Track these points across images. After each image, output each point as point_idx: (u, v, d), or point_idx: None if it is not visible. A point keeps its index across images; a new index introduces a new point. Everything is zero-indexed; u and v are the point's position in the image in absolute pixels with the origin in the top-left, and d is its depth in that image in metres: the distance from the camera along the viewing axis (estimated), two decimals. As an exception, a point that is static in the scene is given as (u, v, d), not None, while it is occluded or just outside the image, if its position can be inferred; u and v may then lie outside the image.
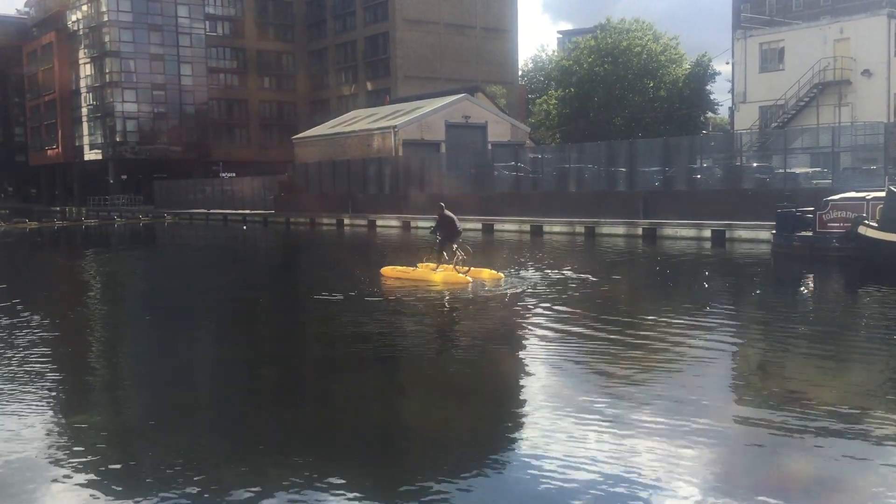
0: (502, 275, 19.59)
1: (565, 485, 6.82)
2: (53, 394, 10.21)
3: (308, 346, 13.83)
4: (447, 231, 19.45)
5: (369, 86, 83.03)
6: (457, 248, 19.45)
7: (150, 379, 11.35)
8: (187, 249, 37.60)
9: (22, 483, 7.11)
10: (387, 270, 20.75)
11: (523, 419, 8.92)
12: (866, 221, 21.52)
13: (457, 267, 19.24)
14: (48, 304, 18.74)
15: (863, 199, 22.44)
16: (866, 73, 43.29)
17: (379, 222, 45.05)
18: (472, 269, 19.39)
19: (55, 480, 7.14)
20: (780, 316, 15.13)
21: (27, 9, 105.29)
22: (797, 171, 32.96)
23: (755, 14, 52.20)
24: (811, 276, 21.60)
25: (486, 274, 19.51)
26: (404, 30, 79.13)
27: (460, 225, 19.78)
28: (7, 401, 9.59)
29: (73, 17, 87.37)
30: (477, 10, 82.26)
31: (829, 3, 54.29)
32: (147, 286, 23.29)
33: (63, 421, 9.06)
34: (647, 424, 8.20)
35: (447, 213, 19.70)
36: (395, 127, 52.17)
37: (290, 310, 17.69)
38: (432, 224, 21.32)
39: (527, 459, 7.46)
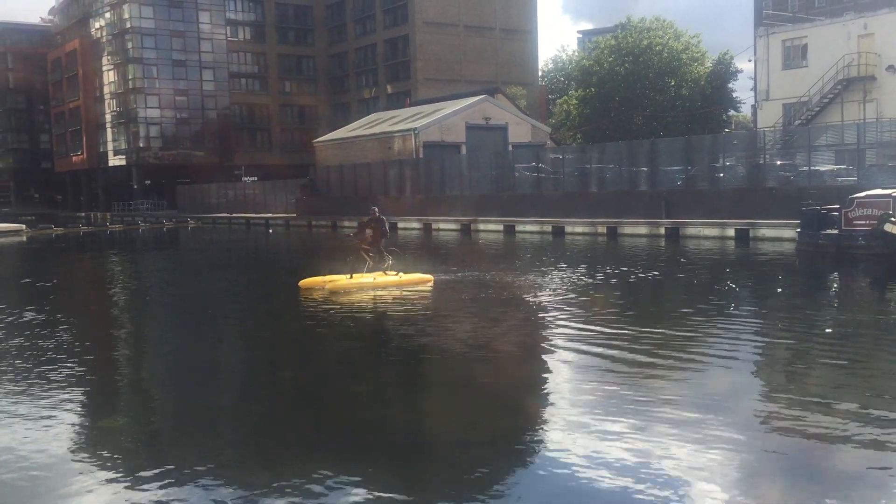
0: (431, 277, 19.50)
1: (589, 487, 6.78)
2: (77, 396, 10.30)
3: (312, 348, 13.87)
4: (376, 234, 19.08)
5: (389, 89, 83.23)
6: (386, 253, 19.29)
7: (170, 380, 11.44)
8: (206, 254, 37.83)
9: (50, 485, 7.18)
10: (309, 282, 18.91)
11: (546, 420, 8.87)
12: (892, 219, 21.24)
13: (387, 272, 19.05)
14: (71, 307, 18.93)
15: (889, 196, 22.16)
16: (891, 68, 42.74)
17: (400, 224, 45.09)
18: (402, 271, 19.34)
19: (82, 483, 7.20)
20: (808, 317, 14.95)
21: (51, 17, 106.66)
22: (822, 168, 32.62)
23: (777, 11, 51.70)
24: (838, 274, 21.34)
25: (416, 277, 19.34)
26: (424, 32, 79.25)
27: (387, 228, 19.67)
28: (33, 404, 9.68)
29: (97, 25, 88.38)
30: (496, 11, 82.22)
31: (853, -2, 53.65)
32: (165, 289, 23.47)
33: (89, 423, 9.14)
34: (672, 425, 8.12)
35: (379, 216, 19.37)
36: (415, 129, 52.24)
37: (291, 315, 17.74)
38: (356, 226, 20.51)
39: (549, 461, 7.42)
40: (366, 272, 18.77)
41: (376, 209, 19.71)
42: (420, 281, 19.18)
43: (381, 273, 18.88)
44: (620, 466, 7.09)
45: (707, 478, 6.82)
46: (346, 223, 49.81)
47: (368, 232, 19.11)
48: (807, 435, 7.87)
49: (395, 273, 19.10)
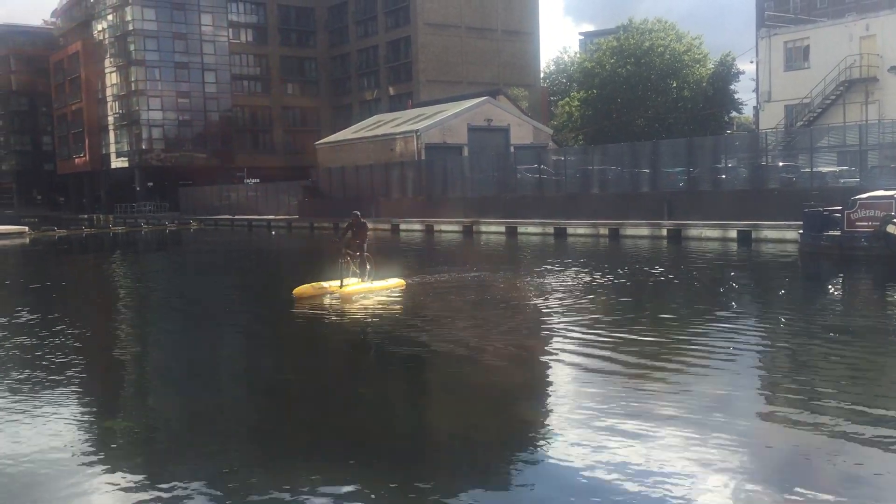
0: (404, 282, 19.34)
1: (591, 490, 6.79)
2: (78, 397, 10.33)
3: (312, 351, 13.89)
4: (358, 239, 18.71)
5: (391, 90, 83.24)
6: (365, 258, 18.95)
7: (172, 382, 11.46)
8: (208, 255, 37.85)
9: (51, 486, 7.20)
10: (302, 290, 18.08)
11: (550, 422, 8.88)
12: (895, 220, 21.23)
13: (364, 278, 18.67)
14: (73, 309, 18.95)
15: (891, 197, 22.14)
16: (893, 69, 42.70)
17: (402, 226, 45.14)
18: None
19: (84, 484, 7.22)
20: (811, 319, 14.94)
21: (54, 19, 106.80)
22: (824, 170, 32.58)
23: (779, 12, 51.74)
24: (840, 276, 21.32)
25: (394, 282, 19.19)
26: (426, 34, 79.27)
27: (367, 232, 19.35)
28: (34, 405, 9.70)
29: (99, 27, 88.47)
30: (498, 12, 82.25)
31: (855, -1, 53.65)
32: (167, 292, 23.50)
33: (91, 424, 9.16)
34: (675, 428, 8.12)
35: (361, 220, 18.96)
36: (417, 131, 52.27)
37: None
38: (341, 230, 19.84)
39: (551, 464, 7.43)
40: (351, 277, 18.45)
41: (358, 213, 19.27)
42: (395, 286, 19.00)
43: (359, 280, 18.53)
44: (622, 469, 7.10)
45: (710, 483, 6.82)
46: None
47: (349, 236, 18.80)
48: (810, 439, 7.87)
49: (366, 280, 18.74)
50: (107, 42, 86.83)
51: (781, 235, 28.40)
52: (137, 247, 45.70)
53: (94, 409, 9.91)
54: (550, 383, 10.64)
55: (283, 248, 42.87)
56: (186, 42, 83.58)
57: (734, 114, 75.64)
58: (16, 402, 9.87)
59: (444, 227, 42.89)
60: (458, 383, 10.78)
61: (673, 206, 33.85)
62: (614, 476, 6.94)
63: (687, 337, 13.01)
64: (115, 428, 9.08)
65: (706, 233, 31.34)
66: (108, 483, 7.23)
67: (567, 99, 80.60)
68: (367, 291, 18.27)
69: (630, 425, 8.20)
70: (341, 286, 18.12)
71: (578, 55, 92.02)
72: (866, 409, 8.65)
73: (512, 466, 7.49)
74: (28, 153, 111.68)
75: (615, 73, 70.07)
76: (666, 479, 6.80)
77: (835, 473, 7.03)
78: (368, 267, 18.91)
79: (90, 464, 7.72)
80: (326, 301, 17.66)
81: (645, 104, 69.92)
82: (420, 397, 10.53)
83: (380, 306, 17.06)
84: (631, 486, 6.71)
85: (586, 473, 7.06)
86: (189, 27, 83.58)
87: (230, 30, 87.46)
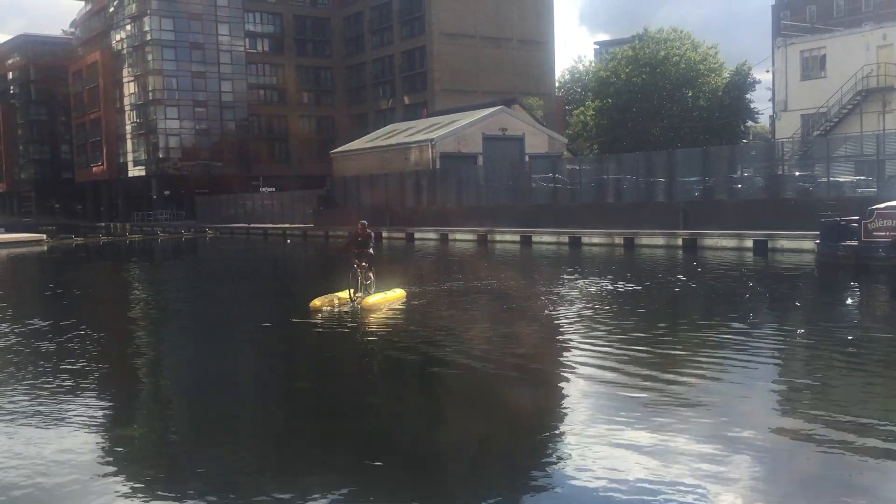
0: (404, 292, 19.10)
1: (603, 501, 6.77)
2: (94, 405, 10.39)
3: (329, 359, 13.91)
4: (364, 248, 18.25)
5: (407, 100, 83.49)
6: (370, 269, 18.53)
7: (187, 390, 11.52)
8: (223, 264, 38.02)
9: (67, 493, 7.24)
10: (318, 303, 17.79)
11: (562, 434, 8.86)
12: (913, 230, 21.09)
13: (371, 290, 18.34)
14: (87, 316, 19.07)
15: (909, 207, 22.00)
16: (911, 79, 42.47)
17: (417, 235, 45.18)
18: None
19: (100, 491, 7.24)
20: (827, 330, 14.82)
21: (73, 29, 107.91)
22: (841, 179, 32.40)
23: (795, 21, 51.56)
24: (858, 286, 21.16)
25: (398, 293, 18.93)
26: (441, 43, 79.50)
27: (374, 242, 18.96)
28: (50, 412, 9.77)
29: (117, 37, 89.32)
30: (513, 22, 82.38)
31: (871, 8, 53.53)
32: (182, 300, 23.61)
33: (106, 432, 9.21)
34: (690, 440, 8.09)
35: (368, 231, 18.49)
36: (432, 140, 52.36)
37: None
38: (349, 239, 19.37)
39: (567, 477, 7.41)
40: (361, 288, 18.09)
41: (365, 223, 18.94)
42: (397, 297, 18.75)
43: (368, 291, 18.22)
44: (635, 481, 7.06)
45: (724, 498, 6.79)
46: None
47: (354, 245, 18.43)
48: (826, 453, 7.81)
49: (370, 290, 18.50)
50: (125, 52, 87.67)
51: (798, 245, 28.23)
52: (153, 255, 45.99)
53: (110, 416, 9.96)
54: (564, 394, 10.59)
55: (299, 256, 43.00)
56: (203, 52, 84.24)
57: (750, 123, 75.32)
58: (32, 408, 9.94)
59: (458, 236, 42.89)
60: (469, 394, 10.78)
61: (688, 216, 33.73)
62: (627, 488, 6.91)
63: (702, 348, 12.94)
64: (131, 435, 9.14)
65: (722, 242, 31.19)
66: (123, 489, 7.26)
67: (582, 108, 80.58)
68: (380, 302, 18.19)
69: (643, 437, 8.16)
70: (352, 297, 17.98)
71: (593, 64, 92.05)
72: (883, 422, 8.57)
73: (524, 478, 7.47)
74: (46, 162, 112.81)
75: (630, 83, 70.01)
76: (680, 494, 6.76)
77: (850, 487, 6.98)
78: (372, 277, 18.71)
79: (102, 472, 7.76)
80: (340, 312, 17.62)
81: (660, 113, 69.78)
82: (430, 408, 10.52)
83: (393, 317, 17.06)
84: (644, 499, 6.69)
85: (599, 487, 7.02)
86: (206, 37, 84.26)
87: (247, 39, 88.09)
